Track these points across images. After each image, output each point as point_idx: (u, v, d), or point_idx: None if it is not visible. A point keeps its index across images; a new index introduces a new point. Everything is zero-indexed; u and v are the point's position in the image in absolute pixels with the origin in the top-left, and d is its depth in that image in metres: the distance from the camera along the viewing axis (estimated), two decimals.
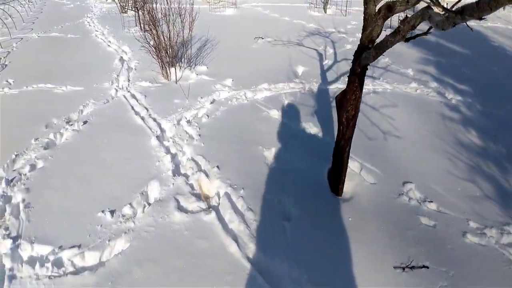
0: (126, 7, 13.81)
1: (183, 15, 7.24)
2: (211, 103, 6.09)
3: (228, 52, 8.65)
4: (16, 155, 4.98)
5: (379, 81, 7.18)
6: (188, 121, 5.48)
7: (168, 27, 7.11)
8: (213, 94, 6.36)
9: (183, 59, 7.47)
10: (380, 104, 6.28)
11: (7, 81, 7.88)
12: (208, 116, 5.59)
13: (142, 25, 10.70)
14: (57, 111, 6.16)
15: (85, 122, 5.73)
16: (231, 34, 10.20)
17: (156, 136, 5.11)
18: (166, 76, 7.20)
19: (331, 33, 10.50)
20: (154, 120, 5.62)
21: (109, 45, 9.75)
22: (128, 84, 7.08)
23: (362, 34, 3.50)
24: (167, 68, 7.16)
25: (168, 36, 7.13)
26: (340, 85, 6.87)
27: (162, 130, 5.38)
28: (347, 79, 3.76)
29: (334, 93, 6.57)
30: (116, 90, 6.86)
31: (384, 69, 7.86)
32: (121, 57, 8.74)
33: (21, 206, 4.02)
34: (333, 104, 5.94)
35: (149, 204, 3.85)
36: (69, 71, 8.09)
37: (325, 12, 13.34)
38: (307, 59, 8.23)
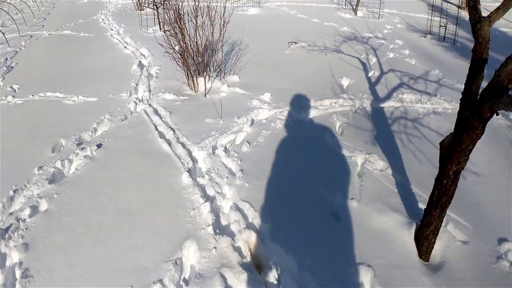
0: (144, 4, 12.73)
1: (212, 16, 6.12)
2: (251, 125, 5.00)
3: (260, 58, 7.54)
4: (15, 191, 3.93)
5: (437, 99, 6.05)
6: (226, 150, 4.40)
7: (196, 30, 6.00)
8: (251, 113, 5.27)
9: (211, 67, 6.36)
10: (446, 129, 5.15)
11: (11, 87, 6.83)
12: (249, 143, 4.50)
13: (162, 24, 9.60)
14: (66, 128, 5.11)
15: (99, 146, 4.66)
16: (259, 36, 9.07)
17: (188, 170, 4.02)
18: (193, 87, 6.11)
19: (369, 38, 9.34)
20: (183, 145, 4.54)
21: (125, 47, 8.67)
22: (150, 96, 6.00)
23: (500, 70, 2.39)
24: (195, 78, 6.07)
25: (196, 41, 6.03)
26: (395, 104, 5.75)
27: (194, 161, 4.30)
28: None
29: (391, 113, 5.47)
30: (136, 103, 5.78)
31: (437, 84, 6.71)
32: (140, 61, 7.66)
33: (18, 273, 2.97)
34: (395, 128, 4.83)
35: (186, 283, 2.77)
36: (81, 76, 7.03)
37: (356, 14, 12.17)
38: (350, 69, 7.10)
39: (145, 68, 7.20)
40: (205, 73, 5.97)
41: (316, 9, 12.65)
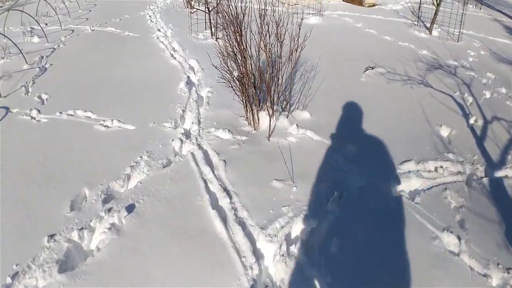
0: (193, 3, 11.45)
1: (280, 30, 4.70)
2: (340, 199, 3.57)
3: (331, 86, 6.08)
4: (14, 275, 2.72)
5: None
6: (304, 244, 3.00)
7: (259, 51, 4.63)
8: (332, 177, 3.84)
9: (275, 96, 4.95)
10: None
11: (40, 96, 5.69)
12: (338, 239, 3.07)
13: (214, 30, 8.27)
14: (93, 169, 3.92)
15: (130, 210, 3.38)
16: (325, 54, 7.57)
17: (253, 280, 2.66)
18: (253, 124, 4.75)
19: (455, 67, 7.68)
20: (243, 226, 3.18)
21: (172, 55, 7.39)
22: (199, 131, 4.67)
23: None
24: (255, 112, 4.70)
25: (258, 65, 4.66)
26: None
27: (260, 257, 2.93)
28: None
29: None
30: (182, 141, 4.47)
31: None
32: (188, 77, 6.36)
33: None
34: None
35: None
36: (119, 91, 5.82)
37: (431, 33, 10.44)
38: (446, 113, 5.55)
39: (194, 88, 5.89)
40: (270, 109, 4.58)
41: (384, 24, 10.99)
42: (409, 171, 4.09)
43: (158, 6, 12.18)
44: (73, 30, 9.40)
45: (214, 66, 4.78)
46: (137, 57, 7.30)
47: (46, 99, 5.72)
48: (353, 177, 3.88)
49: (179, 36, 8.53)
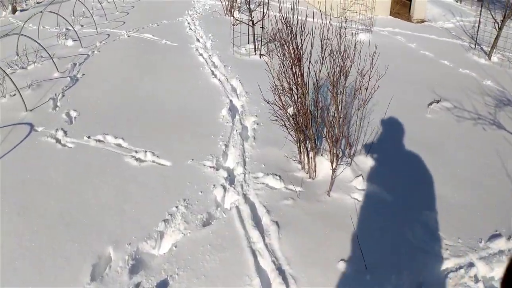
0: (233, 10, 10.76)
1: (345, 60, 3.89)
2: None
3: (395, 125, 5.23)
4: None
5: None
6: None
7: (318, 86, 3.85)
8: (410, 252, 3.02)
9: (338, 140, 4.13)
10: None
11: (68, 113, 5.09)
12: None
13: (259, 44, 7.52)
14: (120, 221, 3.23)
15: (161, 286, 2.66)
16: (382, 80, 6.68)
17: None
18: (308, 170, 3.97)
19: None
20: None
21: (213, 72, 6.69)
22: (245, 176, 3.92)
23: None
24: (312, 157, 3.92)
25: (316, 100, 3.89)
26: None
27: None
28: None
29: None
30: (225, 189, 3.73)
31: None
32: (231, 101, 5.62)
33: None
34: None
35: None
36: (155, 114, 5.15)
37: (490, 59, 9.37)
38: None
39: (238, 117, 5.14)
40: (332, 157, 3.78)
41: (439, 45, 9.99)
42: (500, 251, 3.22)
43: (197, 12, 11.54)
44: (109, 35, 8.85)
45: (266, 101, 4.02)
46: (175, 73, 6.63)
47: (75, 117, 5.11)
48: (437, 260, 3.05)
49: (220, 49, 7.82)
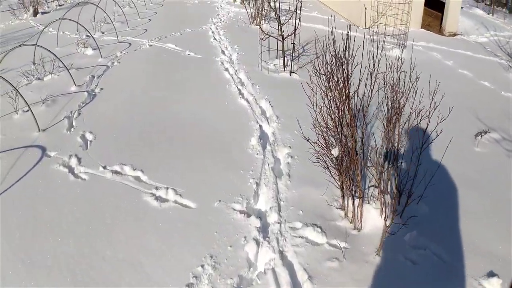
0: (259, 19, 10.23)
1: (399, 97, 3.32)
2: None
3: (442, 160, 4.57)
4: None
5: None
6: None
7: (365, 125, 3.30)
8: None
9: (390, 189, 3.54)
10: None
11: (83, 136, 4.62)
12: None
13: (288, 60, 6.96)
14: (138, 277, 2.67)
15: None
16: (422, 104, 6.05)
17: None
18: (353, 219, 3.39)
19: None
20: None
21: (240, 90, 6.16)
22: (280, 226, 3.36)
23: None
24: (358, 205, 3.34)
25: (361, 137, 3.32)
26: None
27: None
28: None
29: None
30: (257, 244, 3.18)
31: None
32: (260, 126, 5.07)
33: None
34: None
35: None
36: (178, 142, 4.63)
37: None
38: None
39: (269, 147, 4.58)
40: (383, 207, 3.18)
41: (477, 63, 9.27)
42: None
43: (221, 19, 11.03)
44: (130, 44, 8.40)
45: (306, 139, 3.46)
46: (199, 90, 6.12)
47: (90, 141, 4.63)
48: None
49: (246, 63, 7.28)
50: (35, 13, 14.03)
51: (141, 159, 4.23)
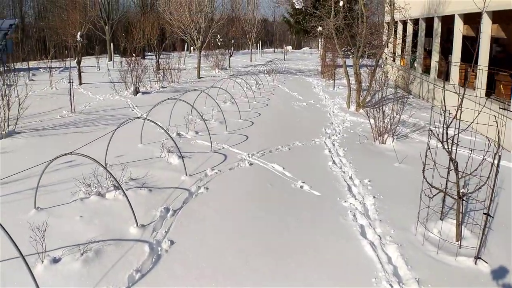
0: (387, 135, 7.68)
1: None
2: None
3: None
4: None
5: None
6: None
7: None
8: None
9: None
10: None
11: None
12: None
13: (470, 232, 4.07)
14: None
15: None
16: None
17: None
18: None
19: None
20: None
21: (387, 277, 3.31)
22: None
23: None
24: None
25: None
26: None
27: None
28: None
29: None
30: None
31: None
32: None
33: None
34: None
35: None
36: None
37: None
38: None
39: None
40: None
41: None
42: None
43: (335, 131, 8.71)
44: (225, 156, 6.27)
45: None
46: (324, 274, 3.43)
47: None
48: None
49: (391, 221, 4.53)
50: (136, 92, 13.22)
51: None
